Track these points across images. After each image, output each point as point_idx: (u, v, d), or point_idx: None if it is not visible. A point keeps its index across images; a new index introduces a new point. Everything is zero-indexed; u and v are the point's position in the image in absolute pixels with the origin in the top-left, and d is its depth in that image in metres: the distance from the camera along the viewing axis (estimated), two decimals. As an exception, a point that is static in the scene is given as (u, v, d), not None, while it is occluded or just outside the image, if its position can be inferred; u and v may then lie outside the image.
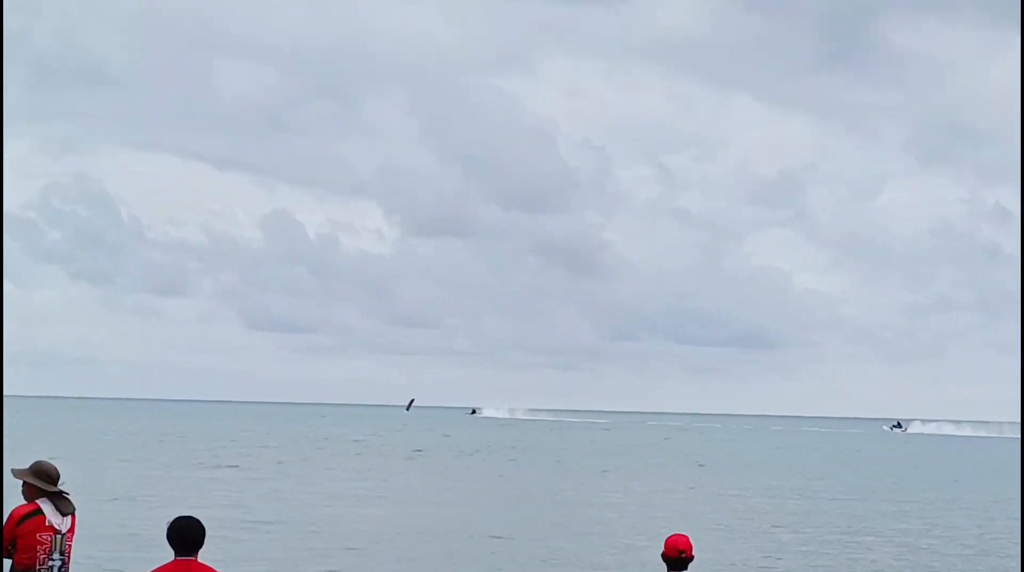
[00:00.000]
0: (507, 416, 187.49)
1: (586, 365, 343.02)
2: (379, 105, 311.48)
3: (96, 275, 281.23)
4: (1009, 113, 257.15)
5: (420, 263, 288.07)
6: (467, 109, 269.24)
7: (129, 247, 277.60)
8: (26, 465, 7.52)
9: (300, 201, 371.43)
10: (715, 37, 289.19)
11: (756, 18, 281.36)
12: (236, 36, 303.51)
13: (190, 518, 6.28)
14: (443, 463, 55.32)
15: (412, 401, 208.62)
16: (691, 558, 7.06)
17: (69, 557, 7.44)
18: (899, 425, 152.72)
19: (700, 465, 58.85)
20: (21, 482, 7.47)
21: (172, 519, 6.26)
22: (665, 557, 7.13)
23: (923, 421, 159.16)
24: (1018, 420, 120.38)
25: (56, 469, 7.50)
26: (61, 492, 7.46)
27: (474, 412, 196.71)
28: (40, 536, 7.28)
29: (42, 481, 7.39)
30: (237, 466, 47.95)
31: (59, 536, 7.34)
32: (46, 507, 7.36)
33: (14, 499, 7.76)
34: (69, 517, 7.47)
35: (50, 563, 7.32)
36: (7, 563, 7.34)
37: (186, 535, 6.17)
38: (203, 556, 6.17)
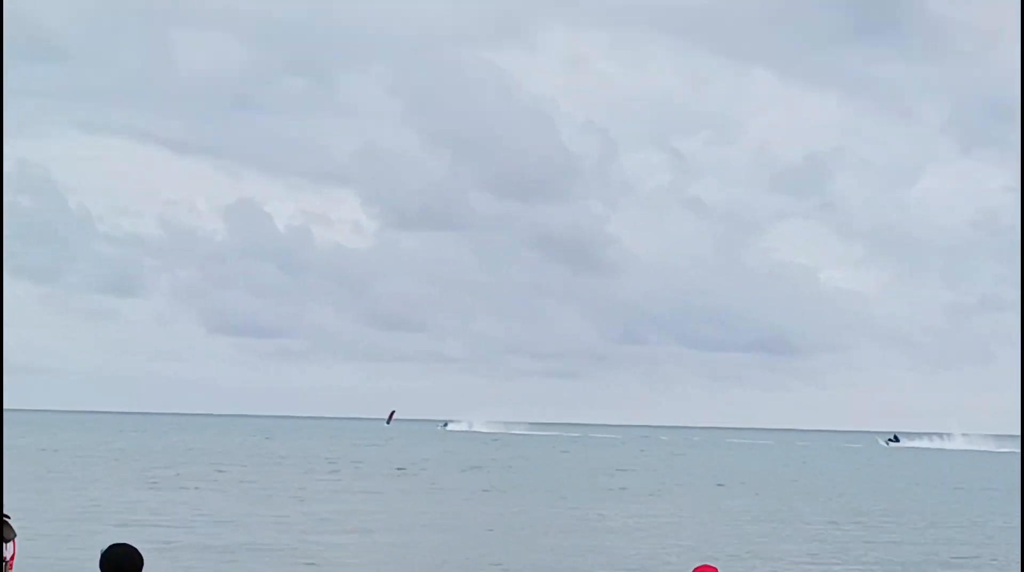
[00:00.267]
0: (485, 430, 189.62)
1: (589, 372, 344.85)
2: (358, 82, 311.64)
3: (40, 273, 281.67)
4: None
5: (403, 258, 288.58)
6: (456, 86, 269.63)
7: (77, 241, 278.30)
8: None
9: (268, 189, 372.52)
10: (731, 5, 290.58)
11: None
12: (197, 3, 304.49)
13: (125, 546, 6.32)
14: (426, 484, 55.91)
15: (393, 413, 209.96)
16: None
17: None
18: (895, 439, 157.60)
19: (719, 485, 59.33)
20: None
21: (106, 547, 6.29)
22: None
23: (919, 435, 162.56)
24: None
25: None
26: (2, 517, 7.41)
27: (446, 425, 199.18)
28: (-20, 564, 7.18)
29: None
30: (189, 488, 48.59)
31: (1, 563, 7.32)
32: (-14, 533, 7.31)
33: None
34: (11, 543, 7.43)
35: (-10, 592, 7.19)
36: None
37: (122, 564, 6.18)
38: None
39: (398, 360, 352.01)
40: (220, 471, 60.94)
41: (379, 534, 33.10)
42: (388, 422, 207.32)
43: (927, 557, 30.51)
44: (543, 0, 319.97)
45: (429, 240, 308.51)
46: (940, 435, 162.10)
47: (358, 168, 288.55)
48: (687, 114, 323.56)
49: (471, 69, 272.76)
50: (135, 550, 6.28)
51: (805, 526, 37.97)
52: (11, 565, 7.44)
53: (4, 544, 7.36)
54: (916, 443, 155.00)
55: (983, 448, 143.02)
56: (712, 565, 7.14)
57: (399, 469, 67.24)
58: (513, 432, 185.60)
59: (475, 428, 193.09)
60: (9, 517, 7.46)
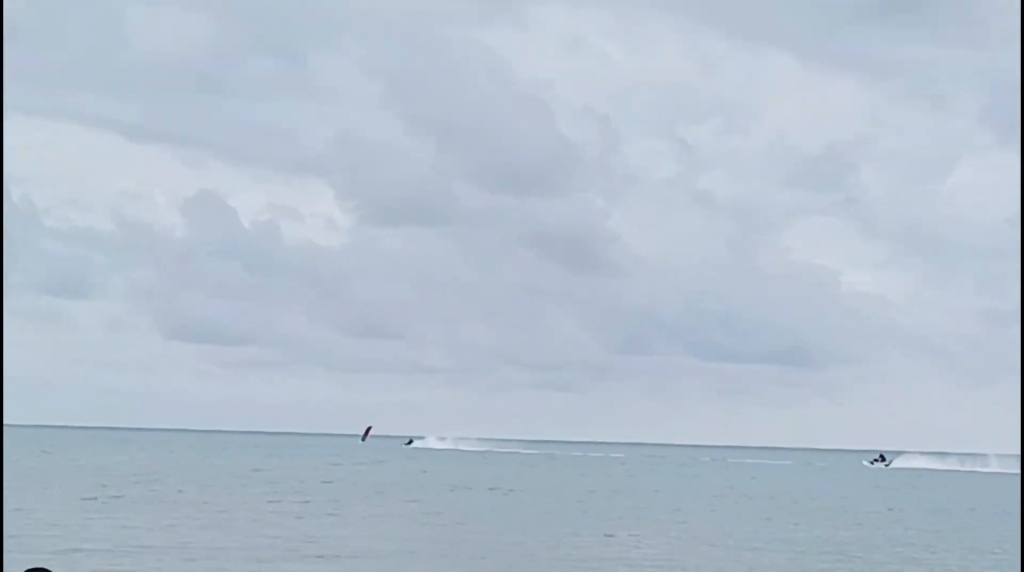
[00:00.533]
0: (452, 447, 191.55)
1: (588, 385, 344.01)
2: (333, 62, 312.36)
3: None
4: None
5: (383, 258, 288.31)
6: (442, 68, 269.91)
7: (21, 237, 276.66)
8: None
9: (233, 180, 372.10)
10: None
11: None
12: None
13: (44, 570, 6.50)
14: (404, 503, 55.68)
15: (369, 430, 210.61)
16: None
17: None
18: (882, 458, 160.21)
19: (738, 504, 59.26)
20: None
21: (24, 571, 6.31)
22: None
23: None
24: None
25: None
26: None
27: (411, 442, 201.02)
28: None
29: None
30: (130, 509, 48.28)
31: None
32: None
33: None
34: None
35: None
36: None
37: None
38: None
39: (376, 371, 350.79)
40: (179, 491, 60.59)
41: (341, 562, 32.98)
42: (363, 439, 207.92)
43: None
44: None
45: (411, 237, 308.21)
46: (973, 456, 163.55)
47: (333, 157, 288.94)
48: (696, 100, 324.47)
49: (458, 49, 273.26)
50: None
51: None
52: None
53: None
54: (913, 463, 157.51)
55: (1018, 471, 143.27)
56: None
57: (375, 491, 66.81)
58: (490, 449, 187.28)
59: (445, 445, 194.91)
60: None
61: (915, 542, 44.25)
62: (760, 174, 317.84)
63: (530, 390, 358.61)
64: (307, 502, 55.42)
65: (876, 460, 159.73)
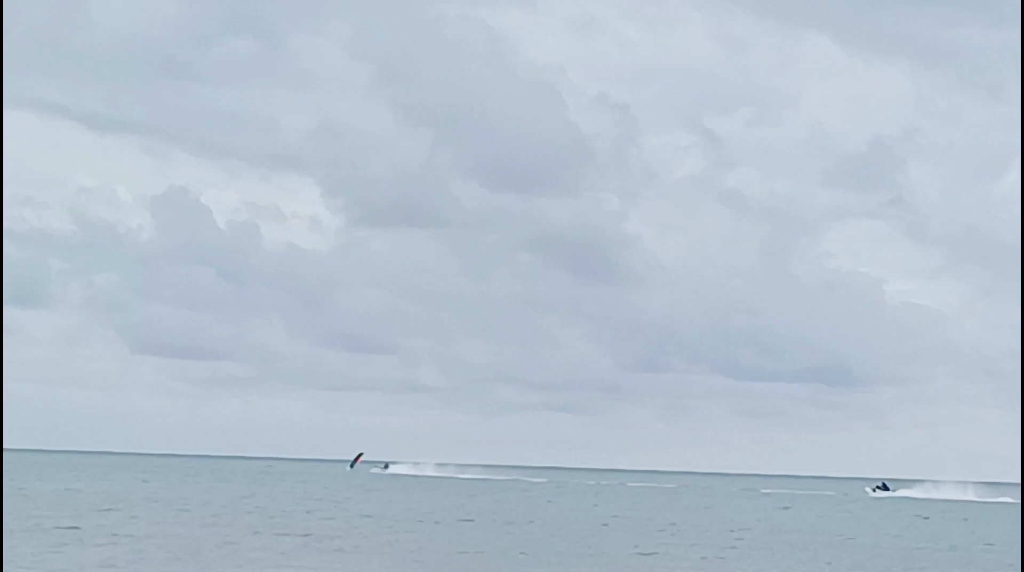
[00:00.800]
0: (441, 474, 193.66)
1: (599, 406, 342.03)
2: (316, 44, 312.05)
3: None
4: None
5: (372, 263, 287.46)
6: (438, 51, 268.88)
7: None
8: None
9: (206, 175, 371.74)
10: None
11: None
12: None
13: None
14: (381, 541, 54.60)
15: (360, 456, 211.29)
16: None
17: None
18: (884, 486, 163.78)
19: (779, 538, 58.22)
20: None
21: None
22: None
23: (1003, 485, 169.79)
24: None
25: None
26: None
27: (387, 467, 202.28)
28: None
29: None
30: (84, 544, 47.24)
31: None
32: None
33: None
34: None
35: None
36: None
37: None
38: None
39: (363, 389, 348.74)
40: (131, 517, 59.26)
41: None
42: (352, 466, 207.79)
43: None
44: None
45: (404, 240, 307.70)
46: (989, 485, 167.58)
47: (317, 151, 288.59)
48: (724, 88, 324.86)
49: (457, 29, 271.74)
50: None
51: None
52: None
53: None
54: (921, 493, 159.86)
55: None
56: None
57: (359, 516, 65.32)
58: (488, 477, 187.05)
59: (424, 472, 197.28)
60: None
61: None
62: (796, 171, 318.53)
63: (534, 412, 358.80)
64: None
65: (879, 487, 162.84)
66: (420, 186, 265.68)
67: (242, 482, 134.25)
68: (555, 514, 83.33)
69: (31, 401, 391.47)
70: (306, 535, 55.90)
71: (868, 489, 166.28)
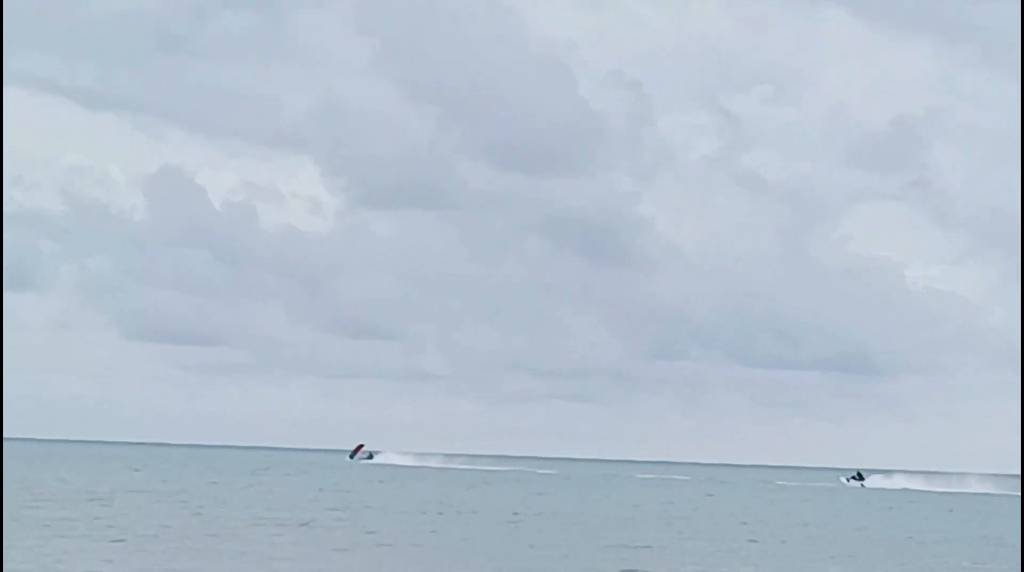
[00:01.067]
0: (415, 464, 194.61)
1: (611, 395, 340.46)
2: (318, 18, 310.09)
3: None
4: None
5: (375, 246, 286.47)
6: (445, 26, 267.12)
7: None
8: None
9: (202, 155, 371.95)
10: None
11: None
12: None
13: None
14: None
15: (360, 447, 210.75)
16: None
17: None
18: (859, 476, 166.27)
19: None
20: None
21: None
22: None
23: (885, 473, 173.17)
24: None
25: None
26: None
27: (371, 457, 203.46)
28: None
29: None
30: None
31: None
32: None
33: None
34: None
35: None
36: None
37: None
38: None
39: (366, 377, 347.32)
40: (118, 508, 57.50)
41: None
42: (352, 456, 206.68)
43: None
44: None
45: (408, 223, 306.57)
46: (958, 475, 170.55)
47: (318, 129, 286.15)
48: (741, 65, 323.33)
49: (464, 3, 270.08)
50: None
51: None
52: None
53: None
54: (893, 483, 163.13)
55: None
56: None
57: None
58: (489, 467, 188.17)
59: (404, 462, 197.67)
60: None
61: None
62: (816, 152, 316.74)
63: (544, 401, 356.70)
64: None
65: (853, 477, 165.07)
66: (425, 166, 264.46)
67: (235, 473, 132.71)
68: (544, 507, 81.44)
69: (20, 388, 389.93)
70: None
71: (843, 479, 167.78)
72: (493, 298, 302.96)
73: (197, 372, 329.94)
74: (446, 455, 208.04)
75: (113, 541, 45.13)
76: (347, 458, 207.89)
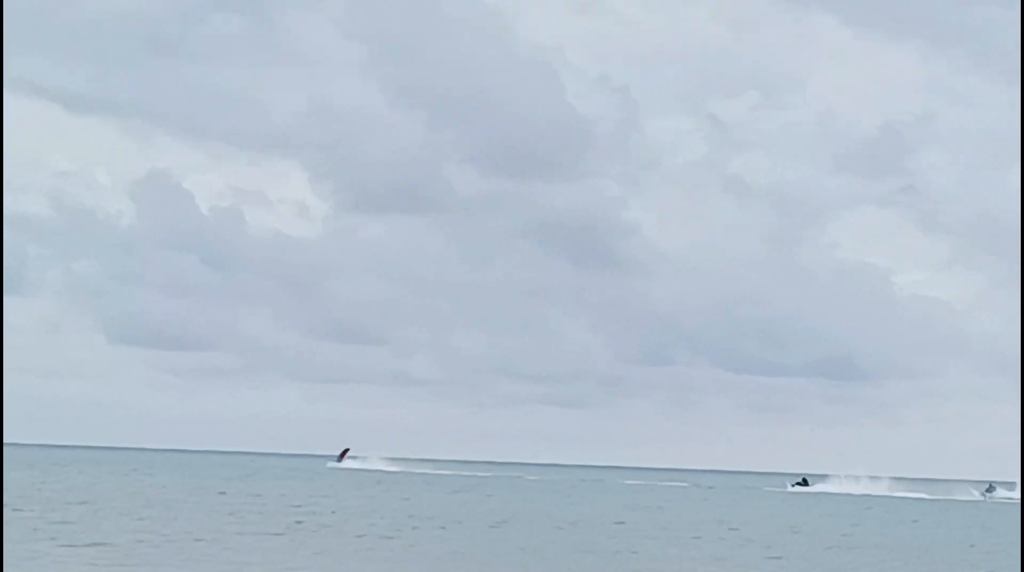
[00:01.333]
0: (386, 468, 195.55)
1: (599, 400, 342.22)
2: (307, 22, 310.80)
3: None
4: None
5: (363, 250, 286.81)
6: (434, 30, 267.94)
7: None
8: None
9: (189, 159, 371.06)
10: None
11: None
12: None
13: None
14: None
15: (346, 451, 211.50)
16: None
17: None
18: (804, 482, 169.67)
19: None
20: None
21: None
22: None
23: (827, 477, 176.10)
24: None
25: None
26: None
27: (342, 454, 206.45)
28: None
29: None
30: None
31: None
32: None
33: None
34: None
35: None
36: None
37: None
38: None
39: (354, 382, 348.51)
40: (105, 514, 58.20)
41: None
42: (339, 460, 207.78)
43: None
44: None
45: (396, 227, 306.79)
46: (840, 478, 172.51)
47: (306, 133, 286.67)
48: (729, 70, 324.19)
49: (452, 8, 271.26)
50: None
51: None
52: None
53: None
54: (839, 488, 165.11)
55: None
56: None
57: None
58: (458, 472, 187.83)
59: (374, 465, 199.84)
60: None
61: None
62: (803, 157, 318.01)
63: (532, 406, 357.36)
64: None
65: (798, 484, 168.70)
66: (413, 170, 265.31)
67: (218, 478, 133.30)
68: (531, 512, 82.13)
69: (5, 392, 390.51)
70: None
71: (789, 485, 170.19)
72: (481, 302, 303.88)
73: (185, 376, 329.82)
74: (423, 460, 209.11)
75: (71, 546, 45.69)
76: (334, 463, 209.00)
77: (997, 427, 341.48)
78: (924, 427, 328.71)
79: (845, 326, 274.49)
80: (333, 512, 72.30)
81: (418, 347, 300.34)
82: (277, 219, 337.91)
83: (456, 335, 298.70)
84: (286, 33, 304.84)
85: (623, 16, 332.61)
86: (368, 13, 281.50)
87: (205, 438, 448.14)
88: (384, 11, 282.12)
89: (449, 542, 53.80)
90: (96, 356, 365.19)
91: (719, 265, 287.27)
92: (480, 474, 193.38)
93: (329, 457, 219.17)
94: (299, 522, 62.23)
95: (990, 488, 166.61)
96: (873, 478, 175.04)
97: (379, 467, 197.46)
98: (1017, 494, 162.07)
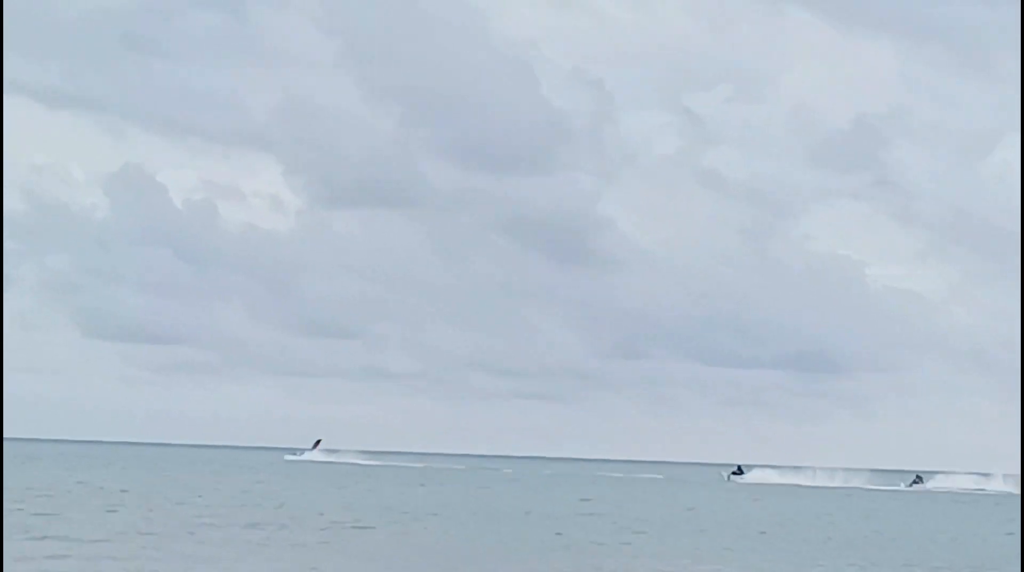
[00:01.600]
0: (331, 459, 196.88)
1: (574, 394, 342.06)
2: (281, 17, 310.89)
3: None
4: None
5: (337, 245, 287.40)
6: (408, 26, 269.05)
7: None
8: None
9: (163, 153, 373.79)
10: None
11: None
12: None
13: None
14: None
15: (318, 442, 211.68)
16: None
17: None
18: (739, 471, 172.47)
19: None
20: None
21: None
22: None
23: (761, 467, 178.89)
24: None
25: None
26: None
27: (302, 453, 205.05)
28: None
29: None
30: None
31: None
32: None
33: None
34: None
35: None
36: None
37: None
38: None
39: (328, 376, 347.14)
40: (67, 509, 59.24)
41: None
42: (313, 449, 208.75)
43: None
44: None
45: (371, 222, 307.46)
46: (828, 471, 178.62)
47: (280, 128, 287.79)
48: (704, 64, 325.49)
49: (427, 3, 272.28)
50: None
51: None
52: None
53: None
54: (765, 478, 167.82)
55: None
56: None
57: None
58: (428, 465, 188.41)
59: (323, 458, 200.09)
60: None
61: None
62: (777, 151, 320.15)
63: (507, 400, 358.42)
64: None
65: (734, 473, 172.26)
66: (388, 165, 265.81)
67: (189, 472, 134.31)
68: (501, 504, 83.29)
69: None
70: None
71: (723, 474, 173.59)
72: (456, 297, 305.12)
73: (159, 371, 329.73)
74: (399, 452, 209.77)
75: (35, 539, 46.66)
76: (293, 456, 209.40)
77: (972, 422, 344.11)
78: (897, 420, 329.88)
79: (819, 319, 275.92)
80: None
81: (393, 341, 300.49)
82: (251, 213, 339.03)
83: (431, 329, 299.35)
84: (261, 28, 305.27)
85: (598, 10, 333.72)
86: (343, 9, 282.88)
87: (179, 432, 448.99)
88: (359, 7, 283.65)
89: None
90: (70, 350, 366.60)
91: (694, 259, 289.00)
92: (455, 467, 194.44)
93: (304, 451, 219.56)
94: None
95: (917, 479, 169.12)
96: (820, 470, 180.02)
97: (354, 460, 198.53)
98: (949, 484, 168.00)
